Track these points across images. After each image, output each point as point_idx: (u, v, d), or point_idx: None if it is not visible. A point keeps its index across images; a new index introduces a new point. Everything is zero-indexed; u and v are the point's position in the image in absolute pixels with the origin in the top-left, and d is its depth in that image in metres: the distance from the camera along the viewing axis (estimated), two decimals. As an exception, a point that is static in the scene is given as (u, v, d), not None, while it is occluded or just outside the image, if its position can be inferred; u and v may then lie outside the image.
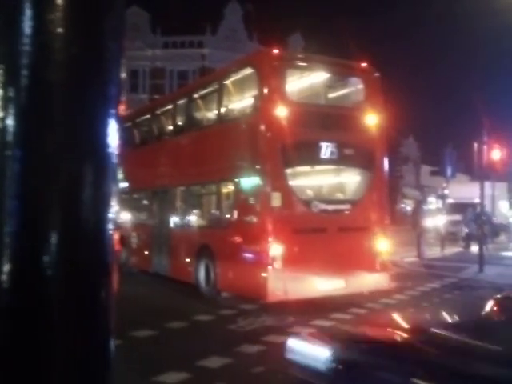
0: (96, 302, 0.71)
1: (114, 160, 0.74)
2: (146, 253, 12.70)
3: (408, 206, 38.33)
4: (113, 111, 0.74)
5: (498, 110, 33.30)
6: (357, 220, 9.05)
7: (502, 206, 25.98)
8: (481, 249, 14.20)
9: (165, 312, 8.58)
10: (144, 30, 36.89)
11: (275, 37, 35.93)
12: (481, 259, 13.78)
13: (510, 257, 17.53)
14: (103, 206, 0.72)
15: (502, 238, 21.94)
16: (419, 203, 23.04)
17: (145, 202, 13.43)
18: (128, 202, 14.45)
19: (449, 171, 18.05)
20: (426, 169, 37.86)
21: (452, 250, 19.85)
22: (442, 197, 27.64)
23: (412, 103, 30.87)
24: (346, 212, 9.10)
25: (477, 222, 17.68)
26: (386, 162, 9.52)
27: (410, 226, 27.63)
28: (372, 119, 9.34)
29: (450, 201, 26.49)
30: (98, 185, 0.71)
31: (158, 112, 12.92)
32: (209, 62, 33.97)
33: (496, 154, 21.52)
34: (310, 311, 8.36)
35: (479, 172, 15.62)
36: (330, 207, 8.93)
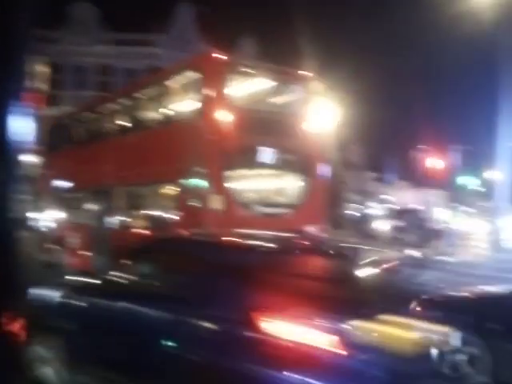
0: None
1: (18, 156, 0.74)
2: (86, 253, 12.41)
3: (353, 211, 39.32)
4: (13, 107, 0.74)
5: (439, 121, 34.71)
6: (297, 224, 9.19)
7: (441, 212, 27.06)
8: (418, 253, 14.73)
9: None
10: (93, 25, 36.03)
11: (228, 39, 36.08)
12: (417, 263, 14.28)
13: (446, 261, 18.24)
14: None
15: (439, 243, 22.77)
16: (361, 209, 23.65)
17: (85, 201, 13.13)
18: (68, 201, 14.10)
19: (389, 178, 18.65)
20: (367, 175, 39.04)
21: (395, 254, 20.43)
22: (384, 202, 28.54)
23: (358, 111, 31.64)
24: (286, 216, 9.26)
25: (418, 228, 18.38)
26: (326, 168, 9.78)
27: (354, 231, 28.42)
28: (313, 126, 9.57)
29: (390, 206, 27.41)
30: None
31: (101, 110, 12.69)
32: (159, 62, 33.51)
33: (434, 162, 22.55)
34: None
35: (419, 179, 16.24)
36: (271, 211, 9.07)
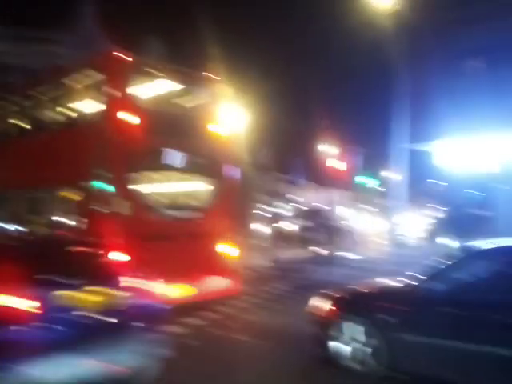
0: None
1: None
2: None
3: (263, 212, 40.02)
4: None
5: (340, 125, 36.39)
6: (207, 227, 9.18)
7: (346, 211, 28.33)
8: (327, 252, 15.32)
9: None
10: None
11: (134, 40, 35.21)
12: (326, 261, 14.86)
13: (352, 259, 19.12)
14: None
15: (346, 241, 23.84)
16: (273, 210, 24.13)
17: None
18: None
19: (298, 179, 19.17)
20: (279, 177, 40.06)
21: (303, 253, 21.06)
22: (294, 203, 29.34)
23: (266, 114, 32.28)
24: (197, 219, 9.19)
25: (324, 227, 19.10)
26: (235, 171, 9.84)
27: (266, 231, 28.89)
28: (221, 129, 9.59)
29: (300, 207, 28.28)
30: None
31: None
32: (61, 60, 31.96)
33: (336, 164, 23.66)
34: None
35: (323, 180, 16.87)
36: (180, 214, 8.95)
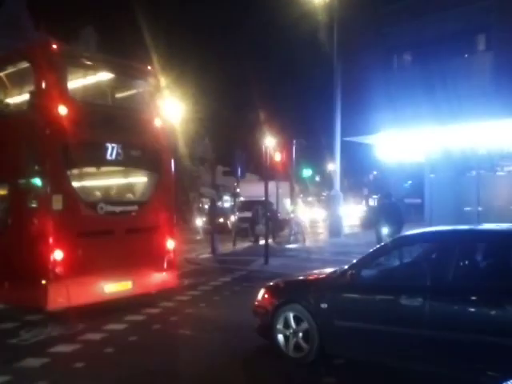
0: None
1: None
2: None
3: (204, 204, 39.93)
4: None
5: (283, 118, 36.81)
6: (144, 221, 9.08)
7: (286, 203, 28.75)
8: (266, 242, 15.50)
9: None
10: None
11: (65, 28, 33.93)
12: (266, 252, 15.04)
13: (291, 249, 19.49)
14: None
15: (286, 232, 24.24)
16: (214, 202, 24.10)
17: None
18: None
19: (239, 171, 19.18)
20: (219, 169, 39.96)
21: (243, 245, 21.24)
22: (235, 195, 29.44)
23: (205, 106, 32.10)
24: (134, 213, 9.07)
25: (262, 218, 19.29)
26: (172, 164, 9.77)
27: (206, 224, 28.84)
28: (158, 121, 9.49)
29: (241, 199, 28.37)
30: None
31: None
32: (-14, 49, 30.28)
33: (278, 156, 23.90)
34: (100, 316, 8.17)
35: (266, 172, 16.98)
36: (117, 209, 8.80)
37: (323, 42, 22.42)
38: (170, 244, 9.40)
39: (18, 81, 9.22)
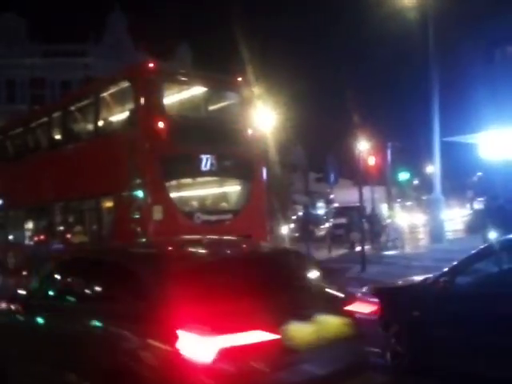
0: None
1: None
2: (25, 273, 11.94)
3: (298, 212, 39.90)
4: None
5: (376, 120, 35.89)
6: (238, 229, 9.22)
7: (382, 208, 27.87)
8: (362, 249, 15.11)
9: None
10: (21, 37, 34.75)
11: (162, 47, 35.80)
12: (363, 259, 14.66)
13: (390, 256, 18.81)
14: None
15: (383, 238, 23.49)
16: (307, 209, 24.03)
17: (22, 219, 12.64)
18: (3, 220, 13.53)
19: (332, 177, 18.94)
20: (312, 175, 39.74)
21: (338, 251, 20.88)
22: (330, 202, 29.14)
23: (298, 113, 32.17)
24: (228, 222, 9.26)
25: (358, 224, 18.85)
26: (264, 172, 9.88)
27: (293, 232, 28.84)
28: (249, 131, 9.65)
29: (335, 205, 28.00)
30: None
31: (33, 124, 12.25)
32: (93, 72, 32.72)
33: (372, 160, 23.26)
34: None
35: (360, 177, 16.60)
36: (212, 218, 9.05)
37: (417, 39, 21.53)
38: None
39: (119, 100, 9.85)
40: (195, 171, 9.00)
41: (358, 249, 18.01)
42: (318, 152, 36.30)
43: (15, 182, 12.66)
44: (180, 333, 3.15)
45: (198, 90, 9.82)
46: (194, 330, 3.13)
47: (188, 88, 9.76)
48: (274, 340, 3.20)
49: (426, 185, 37.16)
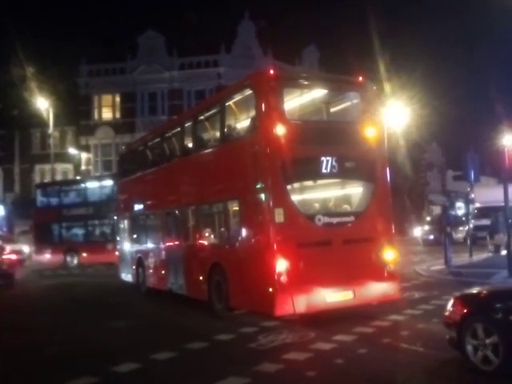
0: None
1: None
2: (163, 272, 12.87)
3: (436, 211, 37.52)
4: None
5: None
6: (361, 231, 8.99)
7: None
8: (509, 253, 13.78)
9: (183, 332, 8.88)
10: (160, 52, 37.65)
11: (290, 50, 36.21)
12: (510, 264, 13.38)
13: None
14: None
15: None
16: (445, 209, 22.63)
17: (158, 222, 13.63)
18: (143, 222, 14.70)
19: (472, 175, 17.68)
20: (449, 174, 37.17)
21: (480, 255, 19.34)
22: (470, 202, 27.02)
23: (433, 109, 30.33)
24: (350, 224, 9.05)
25: (503, 226, 17.19)
26: (387, 173, 9.50)
27: (427, 234, 27.07)
28: (372, 131, 9.33)
29: (476, 205, 25.79)
30: None
31: (168, 134, 13.16)
32: (225, 81, 34.33)
33: (518, 155, 21.02)
34: (328, 325, 8.42)
35: (503, 175, 15.17)
36: (334, 220, 8.91)
37: None
38: (389, 254, 9.08)
39: (243, 107, 10.20)
40: (316, 174, 8.93)
41: (504, 252, 16.44)
42: (456, 148, 33.91)
43: (154, 188, 13.72)
44: None
45: (318, 92, 9.79)
46: None
47: (309, 91, 9.76)
48: None
49: None
